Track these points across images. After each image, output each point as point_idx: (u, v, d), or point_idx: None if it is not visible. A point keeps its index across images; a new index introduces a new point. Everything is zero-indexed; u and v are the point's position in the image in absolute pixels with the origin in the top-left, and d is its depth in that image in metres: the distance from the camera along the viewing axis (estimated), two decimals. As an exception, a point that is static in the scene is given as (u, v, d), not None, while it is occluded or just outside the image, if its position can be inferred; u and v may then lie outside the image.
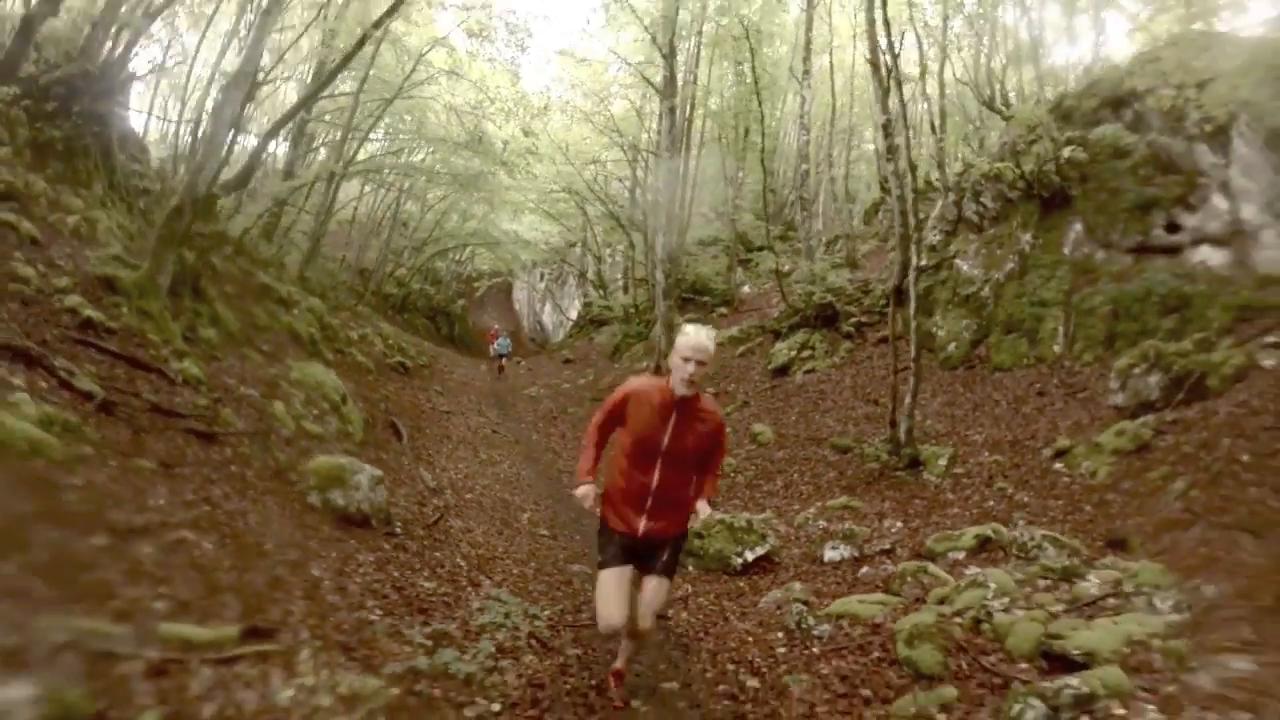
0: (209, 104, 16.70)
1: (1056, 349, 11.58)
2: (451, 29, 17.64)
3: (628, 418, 3.18)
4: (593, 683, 3.34)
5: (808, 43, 16.33)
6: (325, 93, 15.19)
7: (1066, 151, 12.64)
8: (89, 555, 2.66)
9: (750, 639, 3.81)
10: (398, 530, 4.88)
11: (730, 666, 3.46)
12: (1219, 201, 11.43)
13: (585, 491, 3.18)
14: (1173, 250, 11.58)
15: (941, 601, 4.03)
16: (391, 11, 11.61)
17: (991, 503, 7.51)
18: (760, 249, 20.11)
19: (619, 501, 3.22)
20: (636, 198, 21.78)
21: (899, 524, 7.07)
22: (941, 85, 19.03)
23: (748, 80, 14.76)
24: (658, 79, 14.14)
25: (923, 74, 20.28)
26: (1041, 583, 4.29)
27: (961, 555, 5.39)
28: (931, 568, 4.86)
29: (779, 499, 8.35)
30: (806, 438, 10.66)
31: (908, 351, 11.68)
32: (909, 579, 4.68)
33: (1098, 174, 12.75)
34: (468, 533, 5.49)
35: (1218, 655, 3.23)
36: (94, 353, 5.59)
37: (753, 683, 3.22)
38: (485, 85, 18.01)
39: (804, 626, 3.91)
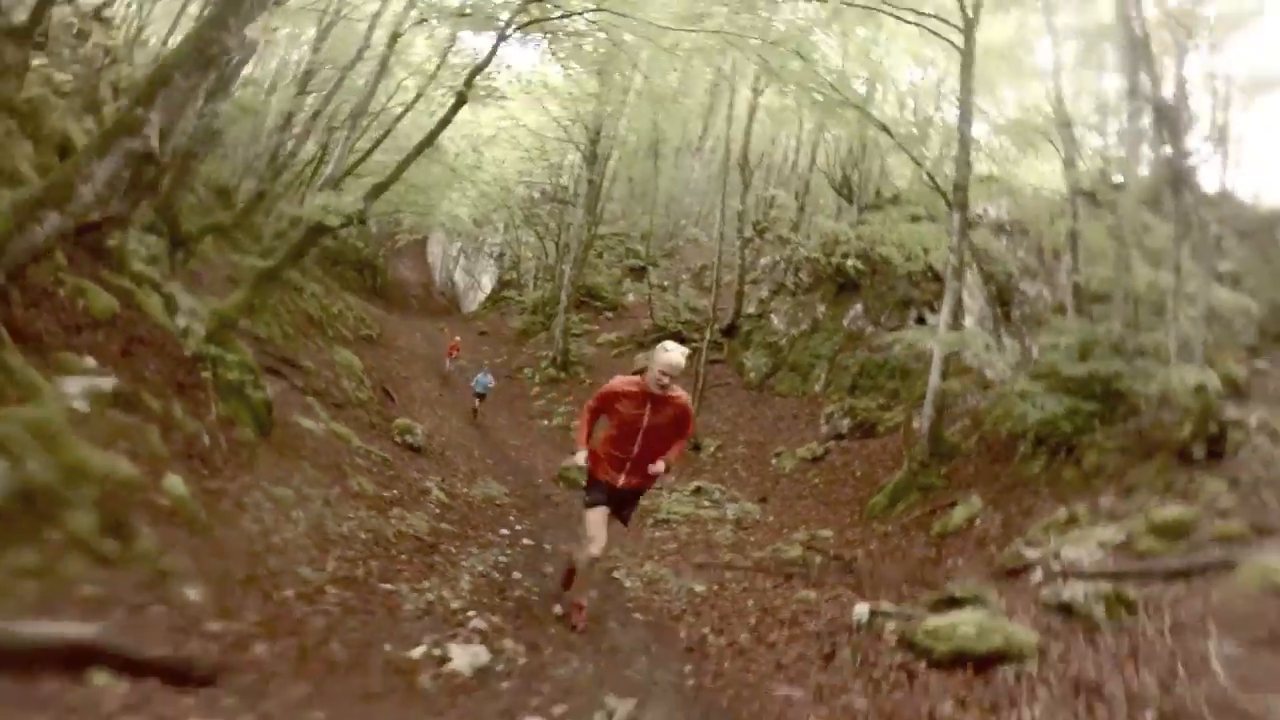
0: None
1: (817, 388, 18.68)
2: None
3: (616, 407, 4.51)
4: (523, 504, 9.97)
5: (704, 128, 22.99)
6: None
7: (849, 261, 19.79)
8: (399, 466, 9.07)
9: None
10: (430, 454, 11.28)
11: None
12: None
13: (583, 454, 4.57)
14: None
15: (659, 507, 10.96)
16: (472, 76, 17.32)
17: (726, 474, 14.56)
18: (644, 268, 26.84)
19: (606, 462, 4.56)
20: (558, 203, 28.03)
21: (674, 478, 14.03)
22: (811, 165, 26.07)
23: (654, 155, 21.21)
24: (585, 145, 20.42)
25: (795, 164, 27.31)
26: (699, 501, 11.29)
27: (687, 493, 12.34)
28: (665, 495, 11.82)
29: (616, 460, 15.21)
30: (644, 424, 17.57)
31: (723, 376, 18.77)
32: (670, 495, 11.62)
33: (884, 271, 19.70)
34: (455, 458, 11.94)
35: (724, 528, 10.22)
36: (270, 359, 11.52)
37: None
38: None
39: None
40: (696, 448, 15.68)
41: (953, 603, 4.47)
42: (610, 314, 24.93)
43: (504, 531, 7.01)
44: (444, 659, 3.60)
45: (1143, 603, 4.50)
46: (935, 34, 13.58)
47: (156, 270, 7.54)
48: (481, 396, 16.66)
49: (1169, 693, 3.55)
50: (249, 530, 4.14)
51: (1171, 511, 6.16)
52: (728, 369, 20.19)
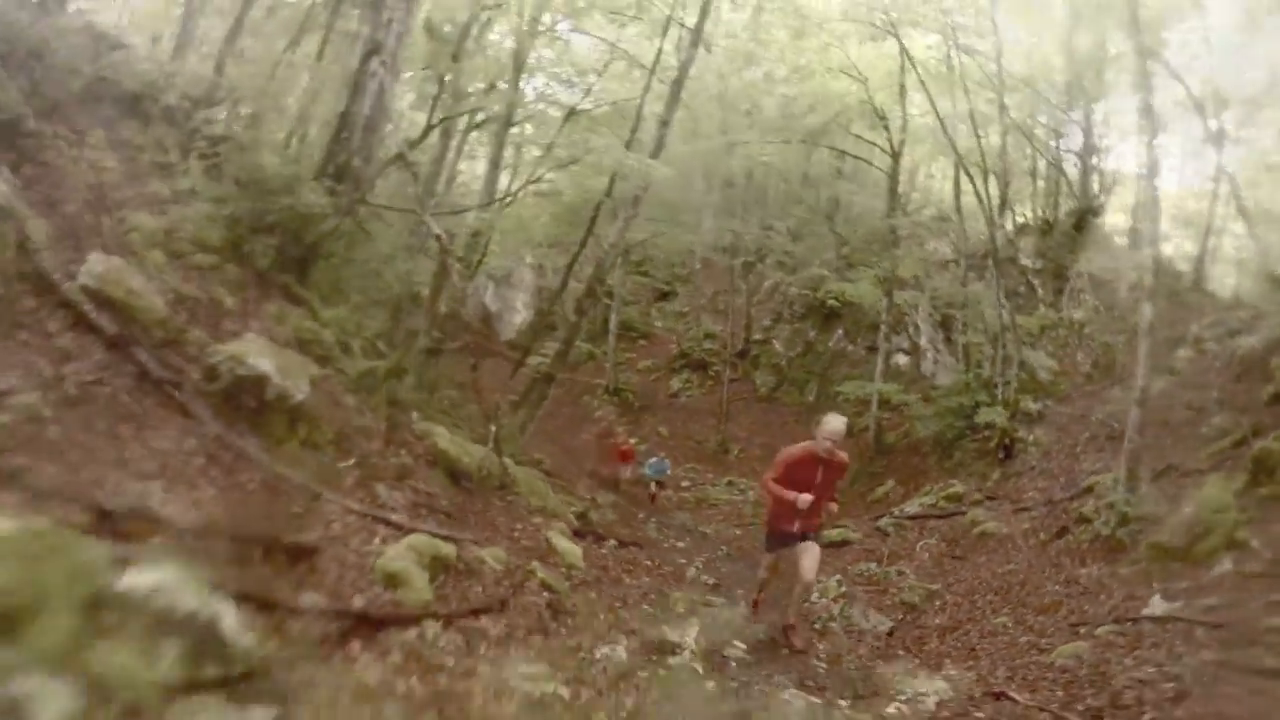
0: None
1: (811, 399, 26.11)
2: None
3: (794, 473, 5.91)
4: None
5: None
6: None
7: (830, 299, 27.17)
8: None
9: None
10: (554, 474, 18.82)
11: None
12: (913, 333, 26.05)
13: (806, 498, 5.76)
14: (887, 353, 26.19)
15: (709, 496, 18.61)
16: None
17: (747, 469, 22.03)
18: (667, 296, 34.18)
19: (780, 517, 6.09)
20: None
21: (712, 475, 21.58)
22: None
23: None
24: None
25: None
26: (731, 491, 18.98)
27: (723, 485, 19.94)
28: (710, 488, 19.47)
29: (673, 462, 22.85)
30: (684, 435, 25.12)
31: (740, 392, 26.38)
32: (712, 487, 19.29)
33: (850, 306, 26.98)
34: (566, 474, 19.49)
35: (747, 506, 17.87)
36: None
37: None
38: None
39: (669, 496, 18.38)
40: (726, 450, 23.35)
41: (837, 528, 12.15)
42: (644, 342, 32.17)
43: (640, 516, 14.72)
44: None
45: (910, 525, 12.16)
46: (870, 163, 21.20)
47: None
48: (660, 484, 17.24)
49: (899, 554, 11.16)
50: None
51: (955, 487, 13.78)
52: (743, 386, 27.66)
